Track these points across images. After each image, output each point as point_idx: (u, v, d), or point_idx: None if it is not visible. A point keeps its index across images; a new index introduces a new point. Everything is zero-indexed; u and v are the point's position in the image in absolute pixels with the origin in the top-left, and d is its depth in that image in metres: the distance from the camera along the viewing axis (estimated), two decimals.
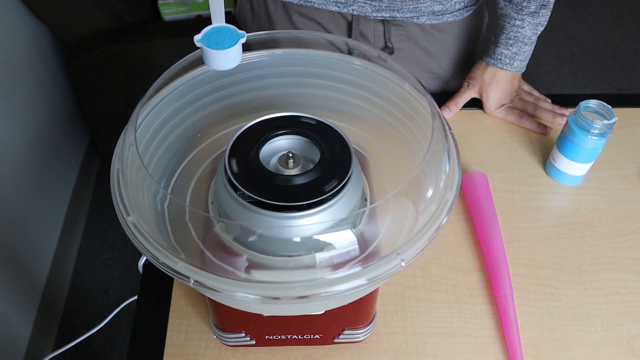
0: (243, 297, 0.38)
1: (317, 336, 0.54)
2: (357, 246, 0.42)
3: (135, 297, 0.62)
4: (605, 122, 0.65)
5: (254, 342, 0.55)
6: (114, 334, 1.34)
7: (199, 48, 0.41)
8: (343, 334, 0.55)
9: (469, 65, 0.83)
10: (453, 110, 0.80)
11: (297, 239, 0.42)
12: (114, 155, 0.45)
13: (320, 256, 0.41)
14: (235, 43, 0.42)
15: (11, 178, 1.23)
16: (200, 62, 0.51)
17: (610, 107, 0.67)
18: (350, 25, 0.80)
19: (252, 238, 0.43)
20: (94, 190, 1.66)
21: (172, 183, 0.51)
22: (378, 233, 0.45)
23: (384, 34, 0.80)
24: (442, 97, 0.82)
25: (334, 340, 0.56)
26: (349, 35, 0.81)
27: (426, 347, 0.57)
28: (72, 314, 1.39)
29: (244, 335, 0.54)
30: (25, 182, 1.29)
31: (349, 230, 0.42)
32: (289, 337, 0.54)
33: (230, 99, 0.54)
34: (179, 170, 0.52)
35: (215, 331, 0.55)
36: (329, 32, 0.81)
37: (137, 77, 1.41)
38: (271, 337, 0.55)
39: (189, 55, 0.49)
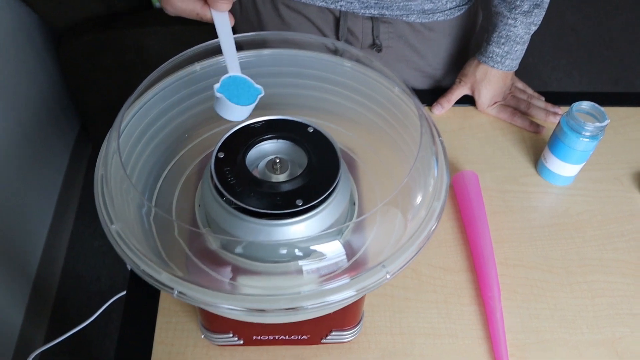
0: (228, 309, 0.37)
1: (304, 337, 0.55)
2: (344, 256, 0.42)
3: (125, 293, 0.62)
4: (597, 124, 0.65)
5: (242, 342, 0.55)
6: (106, 322, 1.34)
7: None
8: (330, 335, 0.55)
9: (460, 65, 0.82)
10: (445, 107, 0.80)
11: (284, 246, 0.42)
12: (97, 159, 0.44)
13: (306, 264, 0.41)
14: (255, 100, 0.42)
15: (1, 165, 1.22)
16: (187, 62, 0.50)
17: (602, 109, 0.66)
18: (338, 21, 0.79)
19: (238, 246, 0.42)
20: (85, 177, 1.65)
21: (159, 184, 0.50)
22: (365, 241, 0.45)
23: (372, 31, 0.79)
24: (434, 93, 0.81)
25: (322, 341, 0.56)
26: (337, 31, 0.80)
27: (413, 347, 0.57)
28: (64, 301, 1.39)
29: (231, 335, 0.54)
30: (15, 169, 1.28)
31: (336, 241, 0.42)
32: (276, 337, 0.55)
33: None
34: (166, 171, 0.51)
35: (203, 331, 0.55)
36: (316, 27, 0.80)
37: (129, 64, 1.39)
38: (259, 338, 0.55)
39: (176, 57, 0.49)
